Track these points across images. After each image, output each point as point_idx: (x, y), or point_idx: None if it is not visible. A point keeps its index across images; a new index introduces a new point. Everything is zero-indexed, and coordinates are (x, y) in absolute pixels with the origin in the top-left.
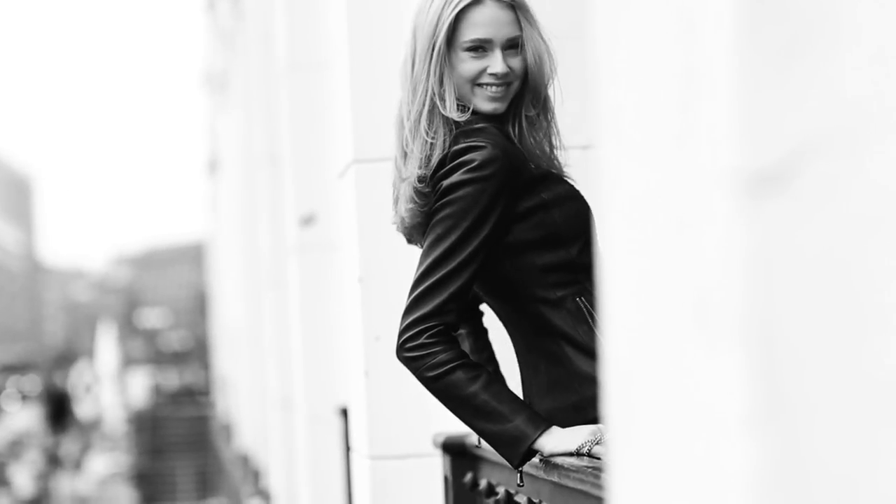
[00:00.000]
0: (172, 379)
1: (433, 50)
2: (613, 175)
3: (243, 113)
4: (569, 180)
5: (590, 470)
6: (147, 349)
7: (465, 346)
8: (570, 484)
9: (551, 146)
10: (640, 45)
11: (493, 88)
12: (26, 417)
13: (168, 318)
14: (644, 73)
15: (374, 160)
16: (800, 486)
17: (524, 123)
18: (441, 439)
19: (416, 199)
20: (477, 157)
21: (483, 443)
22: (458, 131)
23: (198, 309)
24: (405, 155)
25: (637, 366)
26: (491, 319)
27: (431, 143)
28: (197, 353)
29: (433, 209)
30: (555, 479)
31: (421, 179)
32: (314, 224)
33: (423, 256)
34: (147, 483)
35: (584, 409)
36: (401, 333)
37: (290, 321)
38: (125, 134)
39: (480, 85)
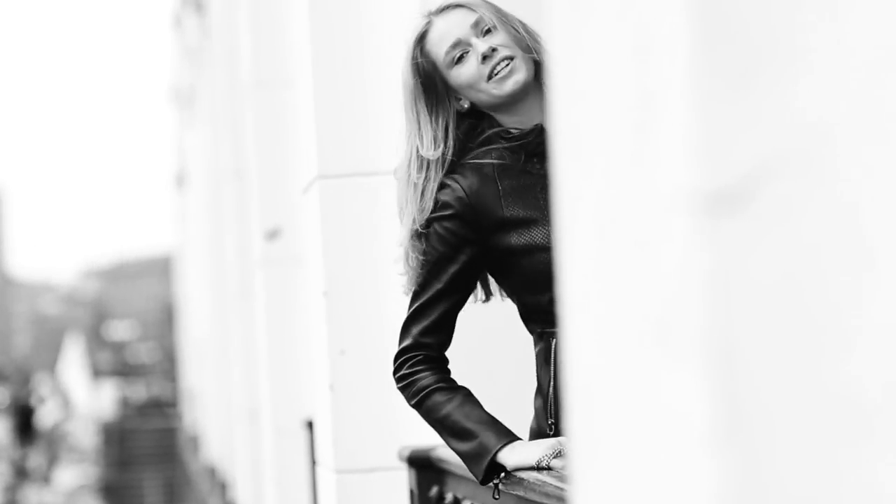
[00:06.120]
0: (140, 391)
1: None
2: (573, 194)
3: (210, 128)
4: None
5: (553, 485)
6: (115, 361)
7: None
8: (535, 497)
9: None
10: (597, 65)
11: (496, 69)
12: None
13: (136, 331)
14: (601, 93)
15: (338, 176)
16: (763, 502)
17: None
18: (406, 453)
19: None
20: (442, 196)
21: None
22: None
23: (165, 321)
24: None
25: (599, 382)
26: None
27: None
28: (164, 365)
29: None
30: (520, 493)
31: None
32: (279, 238)
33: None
34: (114, 495)
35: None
36: (393, 366)
37: (256, 334)
38: (94, 148)
39: (489, 80)
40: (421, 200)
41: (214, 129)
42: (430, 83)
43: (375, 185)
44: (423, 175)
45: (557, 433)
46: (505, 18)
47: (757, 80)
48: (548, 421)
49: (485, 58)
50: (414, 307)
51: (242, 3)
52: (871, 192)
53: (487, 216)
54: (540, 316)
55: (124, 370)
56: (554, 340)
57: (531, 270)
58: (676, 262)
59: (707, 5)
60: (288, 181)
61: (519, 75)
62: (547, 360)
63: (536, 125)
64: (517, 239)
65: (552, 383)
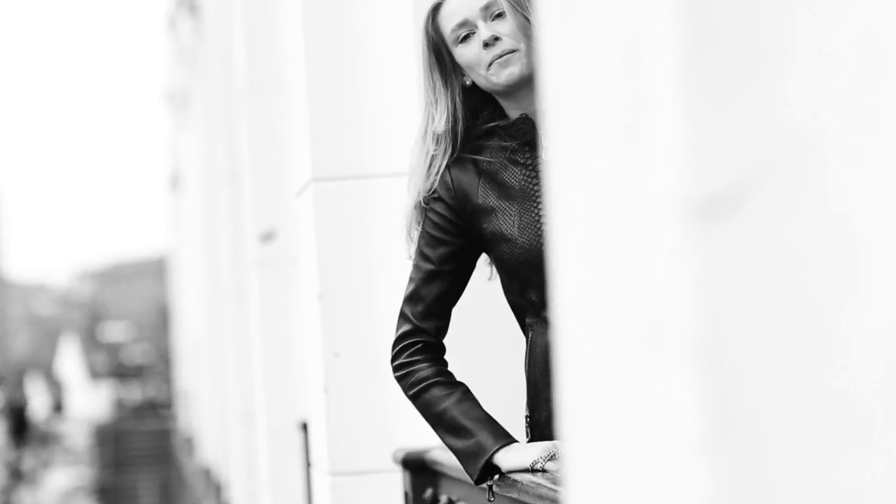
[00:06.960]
0: (135, 392)
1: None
2: (564, 199)
3: (204, 131)
4: (523, 215)
5: (546, 488)
6: (110, 363)
7: None
8: (529, 500)
9: None
10: (587, 71)
11: (497, 54)
12: None
13: (131, 332)
14: (592, 99)
15: (332, 179)
16: None
17: None
18: (401, 455)
19: None
20: (436, 183)
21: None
22: None
23: (160, 323)
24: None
25: (590, 387)
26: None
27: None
28: (159, 366)
29: None
30: (514, 495)
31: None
32: (274, 240)
33: None
34: (109, 497)
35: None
36: (391, 352)
37: (250, 336)
38: (88, 150)
39: (488, 68)
40: (428, 172)
41: (209, 131)
42: (440, 56)
43: (369, 188)
44: (434, 147)
45: (532, 426)
46: (518, 5)
47: (746, 86)
48: (524, 413)
49: (486, 45)
50: (409, 289)
51: (237, 6)
52: (860, 197)
53: (468, 203)
54: (517, 305)
55: (119, 372)
56: (531, 333)
57: (499, 259)
58: (667, 268)
59: (696, 11)
60: (282, 184)
61: (515, 68)
62: (525, 352)
63: (521, 115)
64: (487, 226)
65: (526, 376)
